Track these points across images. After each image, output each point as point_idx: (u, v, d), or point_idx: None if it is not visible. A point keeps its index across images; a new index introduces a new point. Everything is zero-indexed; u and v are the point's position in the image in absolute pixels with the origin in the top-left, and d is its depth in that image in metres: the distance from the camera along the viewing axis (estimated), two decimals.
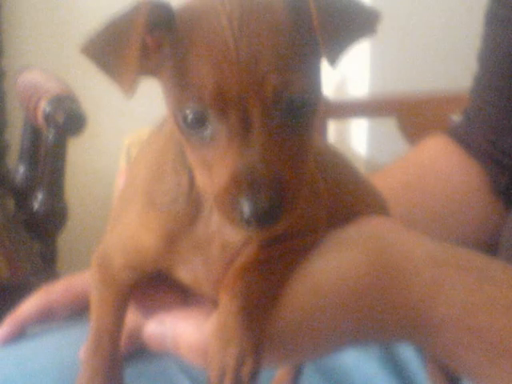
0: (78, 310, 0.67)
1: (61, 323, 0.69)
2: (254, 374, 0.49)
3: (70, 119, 1.33)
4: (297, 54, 0.48)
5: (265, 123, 0.47)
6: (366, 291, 0.53)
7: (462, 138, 0.85)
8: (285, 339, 0.52)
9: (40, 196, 1.42)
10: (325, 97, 1.51)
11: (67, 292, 0.68)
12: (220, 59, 0.47)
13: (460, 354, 0.54)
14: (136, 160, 0.60)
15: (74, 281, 0.69)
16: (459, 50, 1.70)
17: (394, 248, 0.55)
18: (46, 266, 1.42)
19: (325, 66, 0.50)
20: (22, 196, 1.55)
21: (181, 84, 0.48)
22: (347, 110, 1.71)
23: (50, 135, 1.37)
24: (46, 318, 0.68)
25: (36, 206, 1.42)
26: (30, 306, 0.68)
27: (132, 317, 0.60)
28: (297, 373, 0.70)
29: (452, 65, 1.77)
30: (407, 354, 0.74)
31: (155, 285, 0.58)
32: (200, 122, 0.48)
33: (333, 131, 1.79)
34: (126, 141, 1.72)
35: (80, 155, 1.69)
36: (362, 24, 0.50)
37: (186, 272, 0.55)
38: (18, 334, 0.69)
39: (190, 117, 0.48)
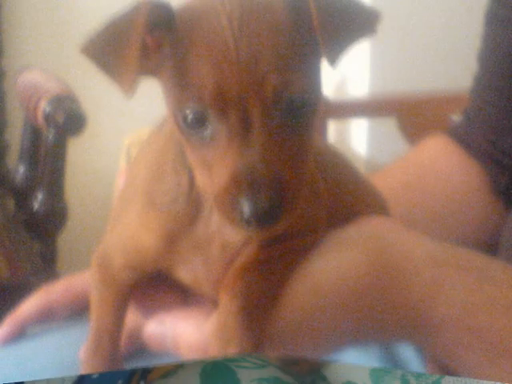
0: (77, 310, 0.67)
1: (61, 323, 0.69)
2: None
3: (69, 119, 1.33)
4: (297, 54, 0.48)
5: (265, 123, 0.47)
6: (366, 291, 0.53)
7: (462, 137, 0.85)
8: (285, 339, 0.52)
9: (40, 196, 1.42)
10: (325, 97, 1.51)
11: (67, 292, 0.68)
12: (220, 59, 0.47)
13: (460, 354, 0.54)
14: (136, 160, 0.60)
15: (74, 281, 0.69)
16: (459, 50, 1.70)
17: (394, 248, 0.55)
18: (46, 266, 1.42)
19: (325, 66, 0.50)
20: (22, 196, 1.55)
21: (181, 84, 0.48)
22: (347, 109, 1.71)
23: (50, 135, 1.37)
24: (46, 318, 0.68)
25: (36, 205, 1.42)
26: (30, 305, 0.68)
27: (132, 317, 0.60)
28: None
29: (452, 65, 1.77)
30: (407, 354, 0.74)
31: (155, 285, 0.59)
32: (200, 122, 0.48)
33: (333, 131, 1.79)
34: (126, 141, 1.72)
35: (80, 155, 1.69)
36: (362, 24, 0.50)
37: (186, 272, 0.55)
38: (18, 334, 0.69)
39: (190, 117, 0.48)
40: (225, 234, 0.53)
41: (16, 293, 0.72)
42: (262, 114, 0.47)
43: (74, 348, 0.63)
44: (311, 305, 0.53)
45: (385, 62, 1.81)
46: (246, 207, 0.46)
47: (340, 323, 0.53)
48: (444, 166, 0.85)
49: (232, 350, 0.49)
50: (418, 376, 0.51)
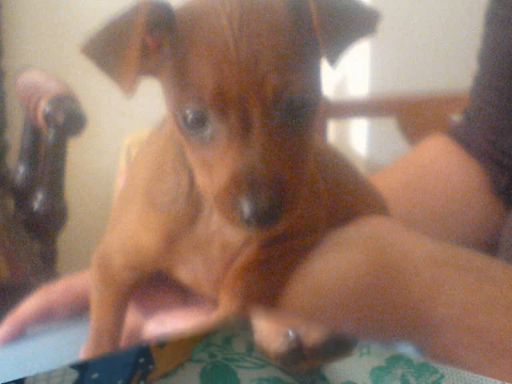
0: (77, 310, 0.67)
1: (61, 323, 0.69)
2: None
3: (69, 119, 1.33)
4: (297, 53, 0.48)
5: (265, 123, 0.47)
6: (366, 291, 0.53)
7: (462, 137, 0.85)
8: None
9: (40, 196, 1.42)
10: (325, 97, 1.51)
11: (67, 292, 0.68)
12: (220, 59, 0.47)
13: (460, 354, 0.54)
14: (136, 160, 0.60)
15: (74, 281, 0.69)
16: (459, 50, 1.70)
17: (393, 248, 0.55)
18: (46, 266, 1.42)
19: (325, 66, 0.50)
20: (22, 196, 1.55)
21: (181, 84, 0.48)
22: (347, 109, 1.71)
23: (50, 135, 1.37)
24: (46, 318, 0.68)
25: (36, 206, 1.42)
26: (29, 305, 0.68)
27: (132, 317, 0.60)
28: None
29: (452, 65, 1.77)
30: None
31: (155, 285, 0.59)
32: (200, 121, 0.48)
33: (333, 131, 1.79)
34: (126, 141, 1.72)
35: (80, 155, 1.69)
36: (362, 24, 0.50)
37: (186, 272, 0.55)
38: (18, 334, 0.69)
39: (190, 117, 0.48)
40: (225, 234, 0.53)
41: (16, 293, 0.72)
42: (262, 114, 0.47)
43: (74, 348, 0.63)
44: (311, 305, 0.53)
45: (385, 62, 1.81)
46: (246, 207, 0.46)
47: (340, 323, 0.53)
48: (444, 166, 0.85)
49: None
50: (418, 376, 0.51)
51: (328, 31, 0.48)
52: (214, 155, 0.48)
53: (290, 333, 0.43)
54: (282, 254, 0.54)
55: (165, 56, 0.49)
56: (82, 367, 0.48)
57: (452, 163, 0.85)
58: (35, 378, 0.47)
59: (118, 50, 0.48)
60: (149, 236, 0.54)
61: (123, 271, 0.57)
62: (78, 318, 0.68)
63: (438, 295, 0.54)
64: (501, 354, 0.53)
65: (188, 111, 0.48)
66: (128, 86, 0.48)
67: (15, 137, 1.66)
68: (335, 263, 0.54)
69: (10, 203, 1.61)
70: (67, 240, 1.62)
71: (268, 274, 0.53)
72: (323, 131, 1.58)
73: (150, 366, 0.52)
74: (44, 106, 1.35)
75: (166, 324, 0.56)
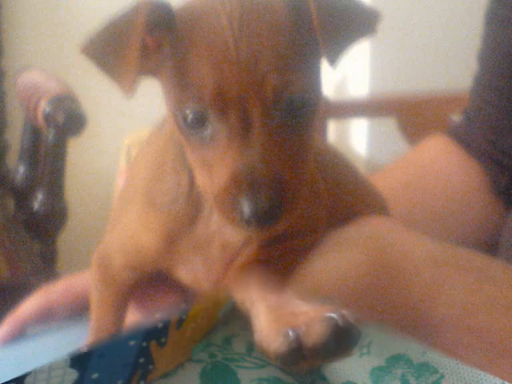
0: (77, 310, 0.67)
1: (61, 323, 0.69)
2: None
3: (70, 119, 1.33)
4: (297, 53, 0.48)
5: (265, 123, 0.47)
6: (366, 291, 0.53)
7: (462, 137, 0.85)
8: None
9: (40, 196, 1.42)
10: (325, 97, 1.51)
11: (67, 292, 0.68)
12: (220, 59, 0.47)
13: (460, 354, 0.54)
14: (136, 160, 0.60)
15: (74, 281, 0.69)
16: (459, 50, 1.70)
17: (393, 248, 0.55)
18: (46, 266, 1.42)
19: (325, 66, 0.50)
20: (22, 196, 1.55)
21: (181, 84, 0.48)
22: (347, 110, 1.71)
23: (50, 135, 1.37)
24: (46, 318, 0.68)
25: (36, 206, 1.42)
26: (29, 305, 0.68)
27: (132, 317, 0.60)
28: None
29: (452, 65, 1.77)
30: None
31: (155, 285, 0.59)
32: (200, 122, 0.48)
33: (333, 131, 1.79)
34: (126, 141, 1.72)
35: (80, 155, 1.69)
36: (362, 24, 0.50)
37: (186, 272, 0.55)
38: (18, 334, 0.69)
39: (190, 117, 0.48)
40: (225, 234, 0.53)
41: (16, 293, 0.72)
42: (262, 114, 0.47)
43: (74, 348, 0.63)
44: None
45: (385, 62, 1.81)
46: (246, 207, 0.46)
47: None
48: (444, 166, 0.85)
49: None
50: (418, 376, 0.51)
51: (328, 31, 0.48)
52: (214, 155, 0.48)
53: (290, 333, 0.43)
54: (282, 253, 0.54)
55: (165, 56, 0.49)
56: (82, 367, 0.48)
57: (452, 163, 0.85)
58: (35, 377, 0.47)
59: (117, 50, 0.48)
60: (149, 236, 0.54)
61: (123, 271, 0.57)
62: (78, 318, 0.68)
63: (438, 295, 0.54)
64: (501, 354, 0.53)
65: (188, 111, 0.48)
66: (128, 86, 0.48)
67: (15, 137, 1.66)
68: (335, 263, 0.54)
69: (10, 203, 1.61)
70: (67, 240, 1.62)
71: (268, 274, 0.53)
72: (323, 131, 1.58)
73: (150, 366, 0.52)
74: (44, 106, 1.35)
75: None
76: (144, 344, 0.50)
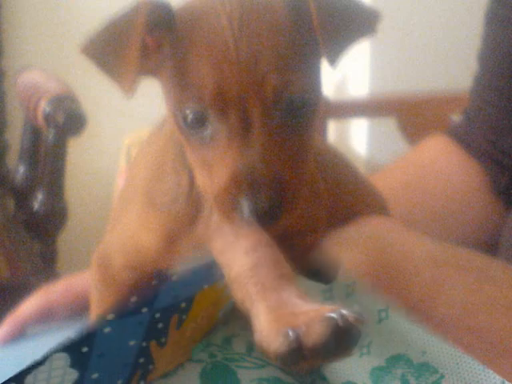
0: (77, 310, 0.67)
1: (61, 323, 0.69)
2: None
3: (70, 119, 1.33)
4: (297, 53, 0.48)
5: (265, 123, 0.47)
6: None
7: (462, 137, 0.85)
8: None
9: (40, 196, 1.42)
10: (325, 97, 1.51)
11: (67, 292, 0.68)
12: (220, 59, 0.47)
13: None
14: (136, 160, 0.60)
15: (74, 281, 0.69)
16: (459, 50, 1.71)
17: (393, 248, 0.55)
18: (46, 266, 1.42)
19: (325, 66, 0.50)
20: (22, 196, 1.55)
21: (181, 84, 0.48)
22: (347, 110, 1.71)
23: (50, 135, 1.37)
24: (46, 318, 0.68)
25: (36, 206, 1.42)
26: (29, 305, 0.68)
27: None
28: None
29: (452, 65, 1.77)
30: None
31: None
32: (200, 121, 0.48)
33: (333, 131, 1.79)
34: (126, 141, 1.72)
35: (80, 155, 1.69)
36: (362, 24, 0.50)
37: None
38: (18, 334, 0.69)
39: (190, 117, 0.48)
40: None
41: (16, 293, 0.72)
42: (262, 114, 0.47)
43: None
44: None
45: (385, 62, 1.81)
46: (246, 207, 0.46)
47: None
48: (444, 166, 0.85)
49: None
50: (418, 376, 0.51)
51: (328, 31, 0.48)
52: (214, 155, 0.48)
53: (290, 333, 0.43)
54: (282, 253, 0.54)
55: (165, 56, 0.49)
56: (82, 367, 0.48)
57: (452, 163, 0.85)
58: (35, 378, 0.47)
59: (117, 50, 0.48)
60: (149, 236, 0.54)
61: (123, 271, 0.57)
62: (77, 318, 0.68)
63: (438, 295, 0.54)
64: (501, 354, 0.53)
65: (188, 111, 0.48)
66: (128, 86, 0.48)
67: (15, 137, 1.66)
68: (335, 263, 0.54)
69: (10, 203, 1.61)
70: (67, 240, 1.62)
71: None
72: (323, 131, 1.58)
73: (150, 366, 0.52)
74: (44, 106, 1.35)
75: None
76: (144, 344, 0.50)
